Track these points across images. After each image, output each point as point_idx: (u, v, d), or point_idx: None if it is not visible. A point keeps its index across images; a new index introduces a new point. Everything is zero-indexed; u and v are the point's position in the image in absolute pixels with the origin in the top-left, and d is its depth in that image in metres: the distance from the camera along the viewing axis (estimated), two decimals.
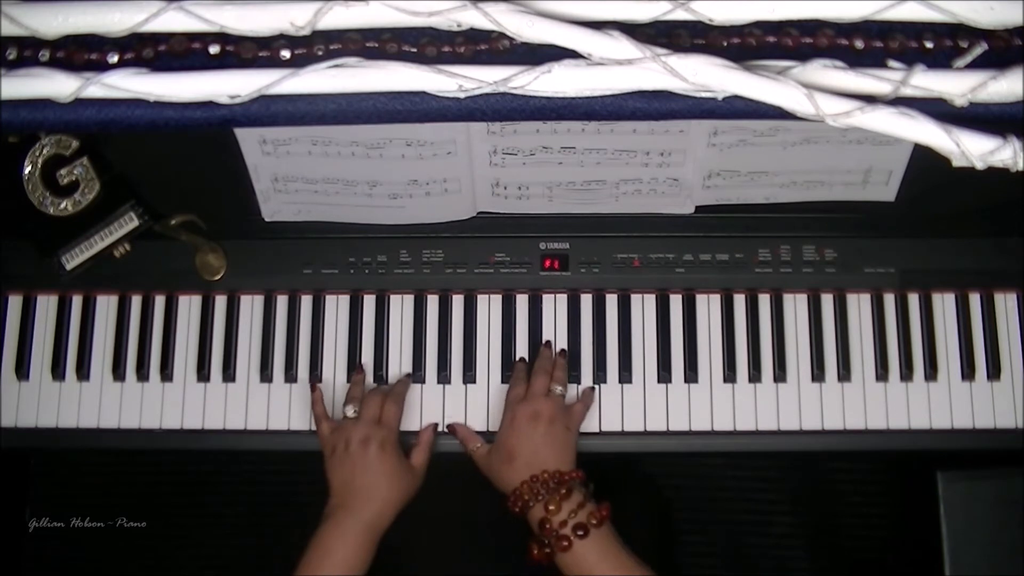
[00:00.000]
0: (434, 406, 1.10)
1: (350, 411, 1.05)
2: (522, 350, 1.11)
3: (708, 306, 1.12)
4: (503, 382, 1.11)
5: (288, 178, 1.03)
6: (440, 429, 1.09)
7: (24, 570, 1.50)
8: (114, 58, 0.62)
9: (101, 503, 1.49)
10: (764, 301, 1.12)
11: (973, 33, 0.61)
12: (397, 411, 1.05)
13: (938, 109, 0.60)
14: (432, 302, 1.13)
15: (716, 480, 1.49)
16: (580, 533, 0.92)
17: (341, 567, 0.95)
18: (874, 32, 0.62)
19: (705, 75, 0.59)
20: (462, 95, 0.60)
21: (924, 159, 0.95)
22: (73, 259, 1.09)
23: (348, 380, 1.11)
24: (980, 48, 0.61)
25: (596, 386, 1.10)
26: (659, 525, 1.46)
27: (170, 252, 1.11)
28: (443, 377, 1.11)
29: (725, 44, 0.62)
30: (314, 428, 1.08)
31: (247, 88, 0.60)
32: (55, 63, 0.62)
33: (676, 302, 1.12)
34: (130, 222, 1.09)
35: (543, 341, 1.11)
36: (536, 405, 1.01)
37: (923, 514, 1.24)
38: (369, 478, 1.00)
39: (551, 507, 0.94)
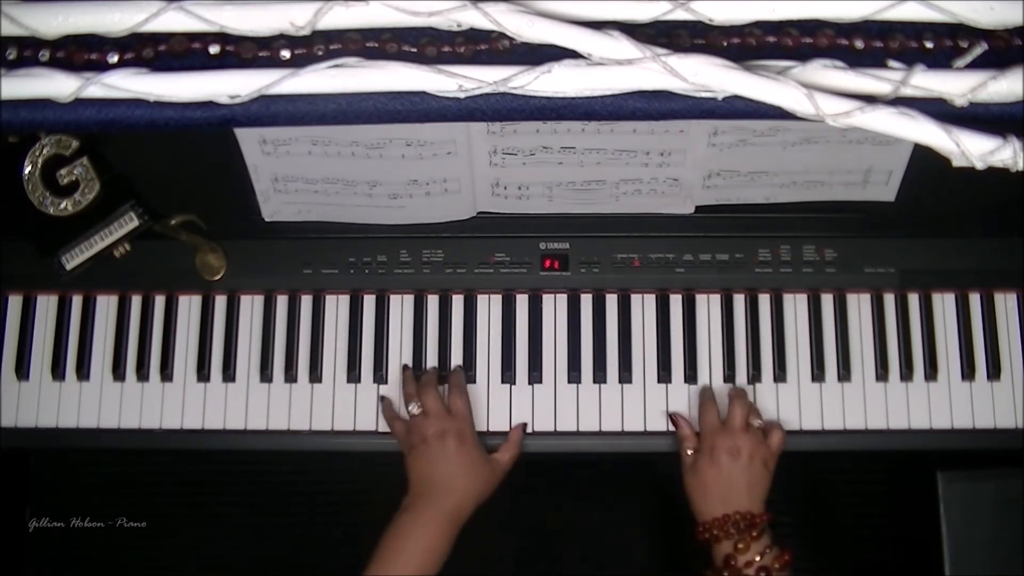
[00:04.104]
0: None
1: (414, 408, 1.04)
2: (522, 350, 1.11)
3: (708, 306, 1.12)
4: (503, 382, 1.11)
5: (288, 178, 1.03)
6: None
7: (24, 570, 1.50)
8: (114, 58, 0.62)
9: (101, 503, 1.49)
10: (764, 301, 1.12)
11: (973, 33, 0.61)
12: (464, 401, 1.06)
13: (938, 109, 0.59)
14: (432, 302, 1.13)
15: None
16: (763, 575, 0.94)
17: (420, 555, 0.95)
18: (874, 32, 0.62)
19: (705, 75, 0.59)
20: (462, 95, 0.60)
21: (924, 159, 0.95)
22: (73, 259, 1.09)
23: (348, 380, 1.11)
24: (980, 48, 0.61)
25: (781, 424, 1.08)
26: (662, 524, 1.46)
27: (170, 252, 1.11)
28: (443, 377, 1.11)
29: (725, 44, 0.62)
30: (314, 428, 1.09)
31: (247, 88, 0.60)
32: (55, 63, 0.61)
33: (676, 302, 1.12)
34: (130, 222, 1.09)
35: (544, 341, 1.11)
36: (737, 440, 1.00)
37: (923, 514, 1.24)
38: (450, 469, 1.00)
39: (740, 546, 0.95)
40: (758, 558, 0.95)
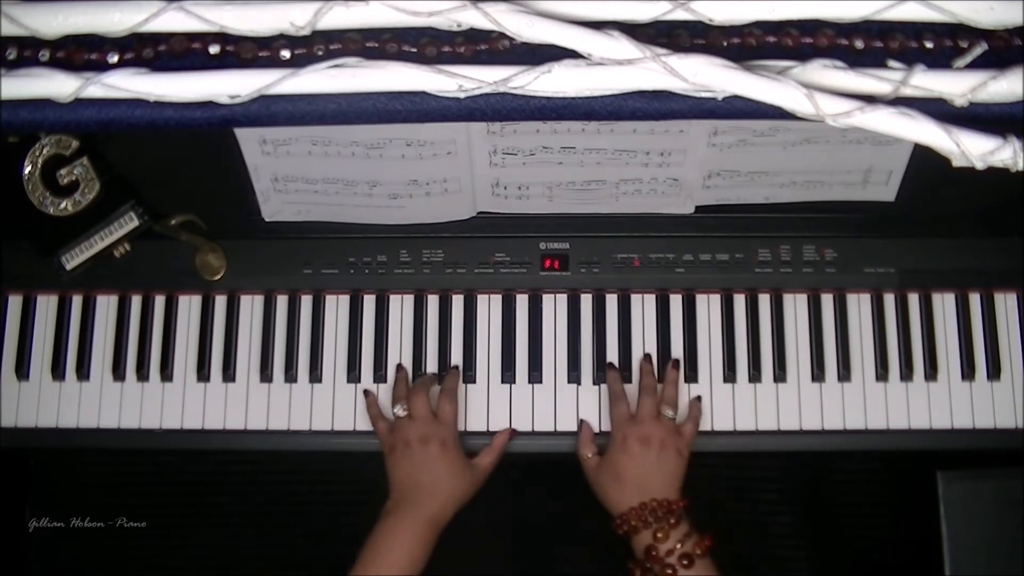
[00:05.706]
0: None
1: (400, 410, 1.04)
2: (522, 350, 1.11)
3: (708, 306, 1.12)
4: (503, 382, 1.11)
5: (288, 178, 1.03)
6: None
7: (24, 570, 1.50)
8: (114, 58, 0.62)
9: (101, 503, 1.49)
10: (764, 301, 1.12)
11: (973, 33, 0.61)
12: (453, 408, 1.05)
13: (938, 109, 0.59)
14: (432, 302, 1.13)
15: (716, 480, 1.48)
16: (686, 563, 0.94)
17: (404, 560, 0.96)
18: (874, 32, 0.62)
19: (705, 75, 0.59)
20: (462, 95, 0.60)
21: (924, 159, 0.95)
22: (73, 259, 1.09)
23: (348, 380, 1.11)
24: (980, 48, 0.61)
25: (700, 397, 1.09)
26: None
27: (170, 252, 1.11)
28: (443, 377, 1.11)
29: (725, 44, 0.62)
30: (315, 428, 1.09)
31: (247, 88, 0.60)
32: (55, 63, 0.61)
33: (676, 302, 1.12)
34: (130, 222, 1.09)
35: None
36: (647, 428, 1.00)
37: (923, 514, 1.23)
38: (432, 474, 1.00)
39: (659, 535, 0.95)
40: (679, 545, 0.94)
